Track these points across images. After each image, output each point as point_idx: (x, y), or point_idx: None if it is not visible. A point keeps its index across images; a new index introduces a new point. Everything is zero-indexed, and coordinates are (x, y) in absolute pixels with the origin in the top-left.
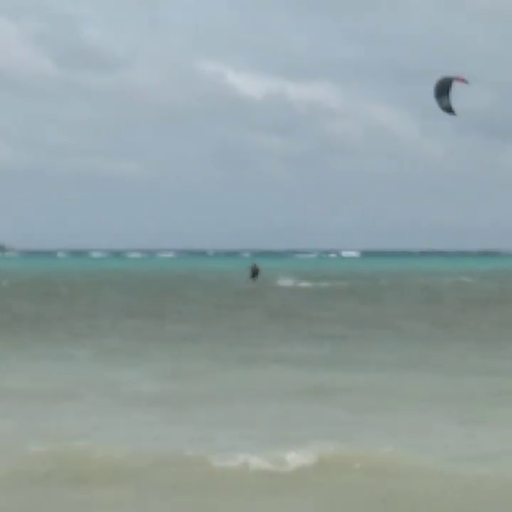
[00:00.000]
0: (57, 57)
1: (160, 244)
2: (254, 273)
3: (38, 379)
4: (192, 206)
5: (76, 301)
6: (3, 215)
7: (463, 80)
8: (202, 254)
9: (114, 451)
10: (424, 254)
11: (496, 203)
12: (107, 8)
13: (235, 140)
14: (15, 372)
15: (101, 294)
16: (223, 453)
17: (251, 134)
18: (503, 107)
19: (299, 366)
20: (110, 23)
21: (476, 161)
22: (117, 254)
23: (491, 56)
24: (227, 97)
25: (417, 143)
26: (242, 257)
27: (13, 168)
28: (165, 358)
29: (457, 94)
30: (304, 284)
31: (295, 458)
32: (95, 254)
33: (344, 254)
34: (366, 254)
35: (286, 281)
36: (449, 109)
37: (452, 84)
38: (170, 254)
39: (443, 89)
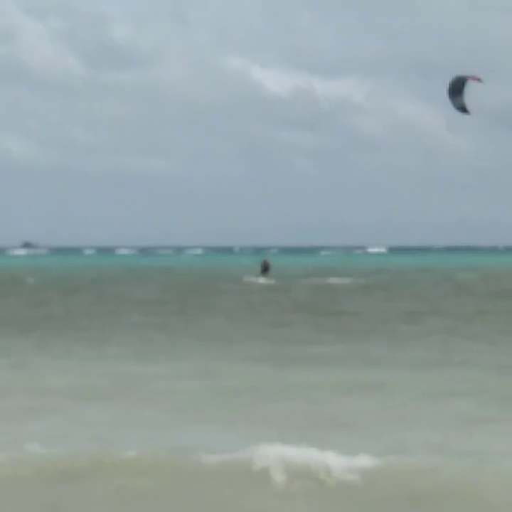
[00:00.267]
0: (84, 56)
1: (188, 242)
2: (265, 269)
3: (71, 376)
4: (219, 203)
5: (103, 297)
6: (31, 213)
7: (477, 79)
8: (229, 251)
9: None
10: (450, 249)
11: None
12: (133, 6)
13: (262, 136)
14: (48, 370)
15: (129, 290)
16: (263, 453)
17: (277, 130)
18: None
19: (330, 363)
20: (137, 21)
21: (503, 156)
22: (144, 251)
23: None
24: (254, 94)
25: (444, 138)
26: (270, 253)
27: (40, 167)
28: (197, 355)
29: (484, 90)
30: (333, 280)
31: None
32: (122, 251)
33: (370, 250)
34: (393, 250)
35: (310, 278)
36: (463, 109)
37: (466, 84)
38: (198, 251)
39: (457, 89)
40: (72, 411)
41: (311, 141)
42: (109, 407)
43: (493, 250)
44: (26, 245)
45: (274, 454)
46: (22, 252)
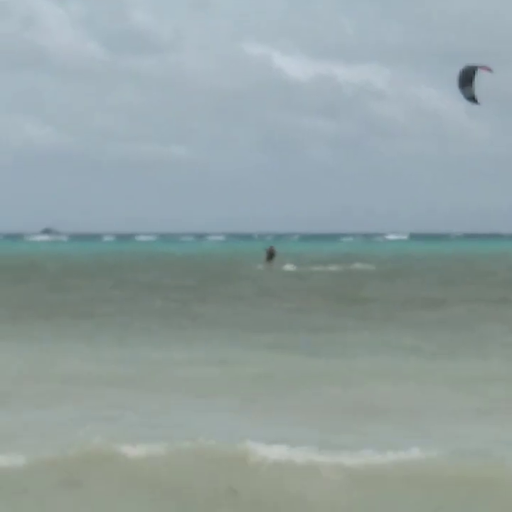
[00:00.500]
0: (104, 41)
1: (209, 229)
2: (270, 255)
3: (92, 362)
4: (240, 190)
5: (124, 283)
6: (51, 199)
7: (488, 69)
8: (249, 237)
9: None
10: (470, 236)
11: None
12: None
13: (282, 123)
14: (70, 356)
15: (149, 276)
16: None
17: (298, 117)
18: None
19: (353, 350)
20: (158, 7)
21: None
22: (164, 237)
23: None
24: (275, 81)
25: (464, 125)
26: (291, 240)
27: (60, 153)
28: (217, 342)
29: (505, 77)
30: (354, 266)
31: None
32: (142, 238)
33: (390, 237)
34: (412, 237)
35: (330, 264)
36: (472, 99)
37: (476, 73)
38: (220, 238)
39: (467, 79)
40: (92, 397)
41: (331, 127)
42: (129, 393)
43: None
44: (46, 232)
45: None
46: (42, 238)
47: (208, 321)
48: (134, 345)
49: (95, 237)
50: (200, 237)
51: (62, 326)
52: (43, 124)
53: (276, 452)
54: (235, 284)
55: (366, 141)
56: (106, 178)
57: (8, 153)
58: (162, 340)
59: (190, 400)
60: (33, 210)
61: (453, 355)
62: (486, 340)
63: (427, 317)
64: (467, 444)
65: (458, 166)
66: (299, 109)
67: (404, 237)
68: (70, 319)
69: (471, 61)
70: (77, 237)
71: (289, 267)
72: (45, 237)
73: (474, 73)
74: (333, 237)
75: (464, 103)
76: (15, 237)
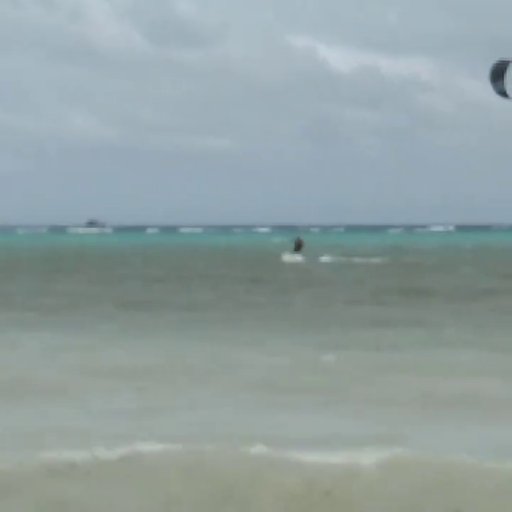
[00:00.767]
0: (149, 33)
1: (255, 220)
2: (298, 246)
3: (149, 357)
4: (284, 181)
5: (172, 275)
6: (96, 191)
7: None
8: (296, 229)
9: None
10: None
11: None
12: None
13: (327, 114)
14: (131, 351)
15: (199, 267)
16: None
17: (342, 108)
18: None
19: (411, 345)
20: None
21: None
22: (206, 229)
23: None
24: (319, 72)
25: (509, 116)
26: (336, 232)
27: (105, 144)
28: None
29: None
30: (403, 258)
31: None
32: (186, 230)
33: (435, 228)
34: (458, 228)
35: (377, 257)
36: (503, 93)
37: (508, 68)
38: (266, 229)
39: (498, 74)
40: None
41: (376, 119)
42: (201, 390)
43: None
44: (91, 224)
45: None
46: (88, 230)
47: (272, 316)
48: (192, 338)
49: (139, 229)
50: (247, 228)
51: (123, 321)
52: (88, 115)
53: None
54: (282, 276)
55: (411, 132)
56: (150, 169)
57: (53, 145)
58: (226, 333)
59: (266, 397)
60: (77, 202)
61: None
62: None
63: (479, 310)
64: None
65: (504, 157)
66: (343, 100)
67: (451, 228)
68: (129, 314)
69: None
70: (121, 229)
71: (325, 259)
72: (90, 230)
73: (506, 68)
74: (379, 229)
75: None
76: (59, 230)
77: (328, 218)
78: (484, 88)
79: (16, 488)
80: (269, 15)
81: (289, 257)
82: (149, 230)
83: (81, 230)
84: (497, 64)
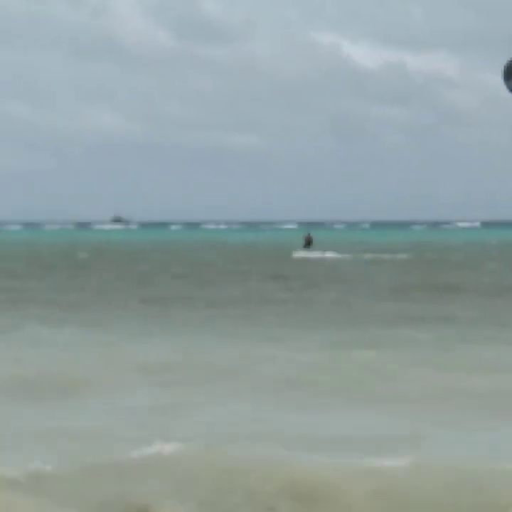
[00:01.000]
0: (174, 30)
1: (280, 217)
2: (308, 243)
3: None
4: (310, 178)
5: (197, 272)
6: (120, 188)
7: None
8: (322, 225)
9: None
10: None
11: None
12: None
13: (352, 111)
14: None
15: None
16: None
17: (367, 105)
18: None
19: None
20: None
21: None
22: (232, 226)
23: None
24: (344, 69)
25: None
26: (361, 228)
27: (130, 141)
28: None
29: None
30: (429, 254)
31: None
32: (209, 226)
33: (461, 224)
34: (484, 225)
35: (401, 253)
36: None
37: None
38: (292, 226)
39: (511, 71)
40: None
41: (401, 115)
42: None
43: None
44: (116, 220)
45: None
46: (113, 226)
47: (300, 313)
48: (229, 336)
49: (164, 226)
50: (273, 225)
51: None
52: (113, 112)
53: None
54: (305, 273)
55: (436, 128)
56: (175, 166)
57: (78, 142)
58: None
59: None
60: (102, 198)
61: None
62: None
63: (508, 304)
64: None
65: None
66: (369, 97)
67: (476, 224)
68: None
69: None
70: (146, 226)
71: (330, 254)
72: (115, 226)
73: None
74: (404, 225)
75: None
76: (85, 226)
77: (353, 215)
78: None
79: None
80: (293, 12)
81: (300, 254)
82: (173, 227)
83: (106, 227)
84: (510, 61)
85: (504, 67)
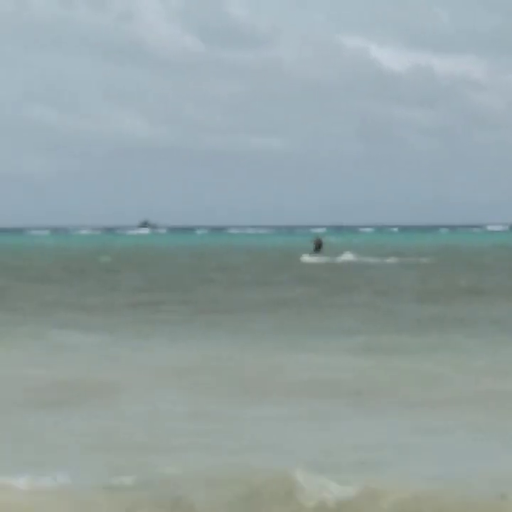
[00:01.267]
0: (200, 34)
1: (307, 220)
2: (318, 247)
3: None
4: (336, 181)
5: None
6: (147, 192)
7: None
8: (353, 230)
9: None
10: None
11: None
12: None
13: (379, 114)
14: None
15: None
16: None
17: (395, 107)
18: None
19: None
20: (254, 0)
21: None
22: (257, 230)
23: None
24: (371, 72)
25: None
26: (390, 231)
27: (156, 145)
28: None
29: None
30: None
31: None
32: (234, 231)
33: (490, 228)
34: None
35: (428, 256)
36: None
37: None
38: (322, 230)
39: None
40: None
41: (428, 118)
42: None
43: None
44: (144, 225)
45: None
46: (140, 231)
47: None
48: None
49: (190, 230)
50: (300, 229)
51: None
52: (140, 116)
53: None
54: (333, 277)
55: (464, 131)
56: (201, 170)
57: (105, 146)
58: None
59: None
60: (129, 202)
61: None
62: None
63: None
64: None
65: None
66: (396, 100)
67: (506, 228)
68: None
69: None
70: (173, 230)
71: (346, 257)
72: (143, 231)
73: None
74: (433, 229)
75: None
76: (113, 231)
77: (382, 218)
78: None
79: None
80: (319, 16)
81: (309, 258)
82: (199, 231)
83: (134, 232)
84: None
85: None
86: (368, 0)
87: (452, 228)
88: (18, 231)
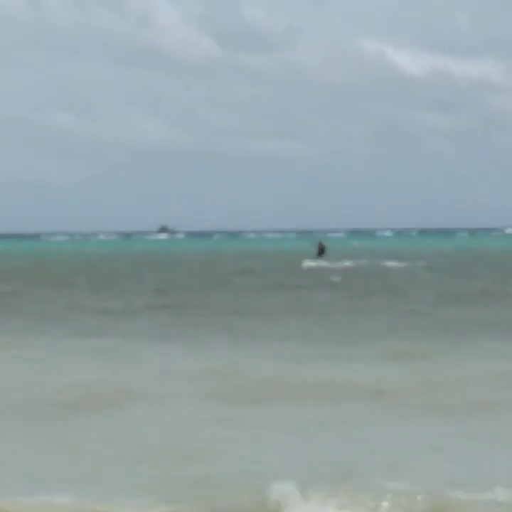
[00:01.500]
0: (218, 38)
1: (328, 225)
2: (321, 251)
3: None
4: (356, 185)
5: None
6: (168, 197)
7: None
8: (371, 234)
9: None
10: None
11: None
12: None
13: (398, 118)
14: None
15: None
16: None
17: (413, 111)
18: None
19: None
20: (271, 3)
21: None
22: (275, 234)
23: None
24: (389, 76)
25: None
26: (409, 235)
27: (175, 150)
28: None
29: None
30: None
31: None
32: (251, 235)
33: (508, 231)
34: None
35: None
36: None
37: None
38: (341, 234)
39: None
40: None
41: (448, 122)
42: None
43: None
44: (163, 230)
45: None
46: (159, 236)
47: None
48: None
49: (208, 235)
50: (319, 233)
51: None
52: (159, 120)
53: None
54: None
55: (484, 134)
56: (220, 174)
57: (124, 152)
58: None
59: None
60: (148, 207)
61: None
62: None
63: None
64: None
65: None
66: (415, 104)
67: None
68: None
69: None
70: (192, 235)
71: (348, 263)
72: (162, 236)
73: None
74: (452, 232)
75: None
76: (131, 236)
77: (402, 222)
78: None
79: None
80: (337, 18)
81: (311, 263)
82: (217, 236)
83: (152, 237)
84: None
85: None
86: (385, 3)
87: (471, 231)
88: (36, 237)
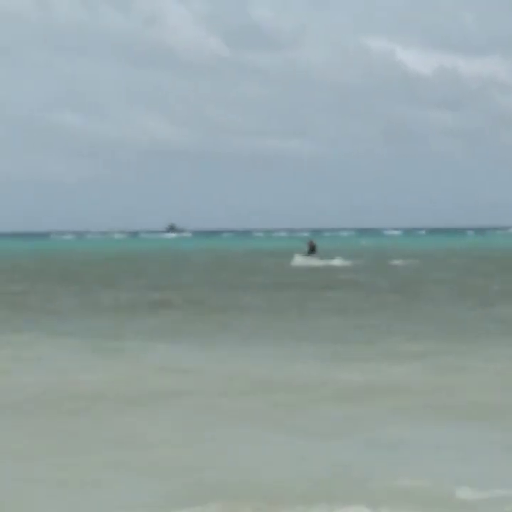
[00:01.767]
0: (226, 38)
1: (332, 223)
2: (312, 249)
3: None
4: (363, 184)
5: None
6: (175, 196)
7: None
8: (378, 233)
9: None
10: None
11: None
12: None
13: (405, 117)
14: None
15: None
16: None
17: (421, 110)
18: None
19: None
20: (279, 2)
21: None
22: (292, 232)
23: None
24: (396, 74)
25: None
26: (418, 235)
27: (182, 149)
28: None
29: None
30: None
31: None
32: (259, 234)
33: None
34: None
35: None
36: None
37: None
38: (349, 233)
39: None
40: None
41: (455, 120)
42: None
43: None
44: (171, 229)
45: None
46: (167, 235)
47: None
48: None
49: (216, 234)
50: (327, 232)
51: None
52: (167, 120)
53: None
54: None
55: (491, 133)
56: (227, 173)
57: (131, 151)
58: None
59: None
60: (156, 206)
61: None
62: None
63: None
64: None
65: None
66: (422, 102)
67: None
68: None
69: None
70: (200, 234)
71: (338, 261)
72: (170, 235)
73: None
74: (460, 231)
75: None
76: (139, 235)
77: (410, 221)
78: None
79: None
80: (344, 18)
81: (301, 261)
82: (225, 234)
83: (160, 236)
84: None
85: None
86: (393, 2)
87: (479, 230)
88: (44, 235)
